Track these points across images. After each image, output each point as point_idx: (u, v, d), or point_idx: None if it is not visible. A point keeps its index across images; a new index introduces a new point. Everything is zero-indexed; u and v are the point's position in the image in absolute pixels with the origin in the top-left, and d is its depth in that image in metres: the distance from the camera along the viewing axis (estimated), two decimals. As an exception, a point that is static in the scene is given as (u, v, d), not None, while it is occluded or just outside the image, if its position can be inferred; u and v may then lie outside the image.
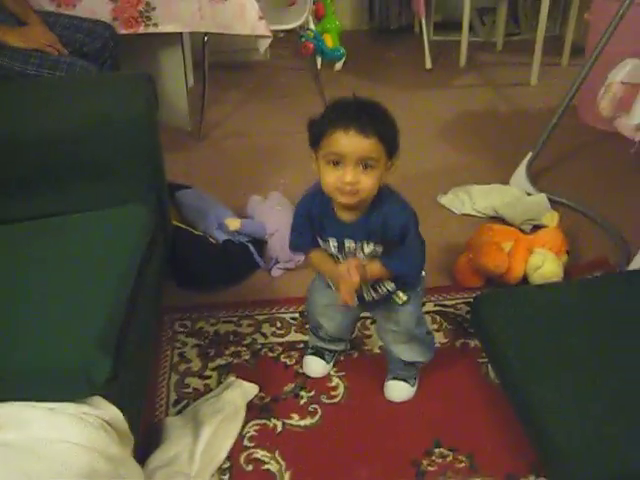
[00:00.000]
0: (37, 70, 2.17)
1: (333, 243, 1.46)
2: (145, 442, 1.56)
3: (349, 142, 1.29)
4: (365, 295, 1.55)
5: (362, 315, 1.85)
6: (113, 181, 1.74)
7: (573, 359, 1.48)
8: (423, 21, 3.83)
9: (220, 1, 2.61)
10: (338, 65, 3.29)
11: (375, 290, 1.54)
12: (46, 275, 1.34)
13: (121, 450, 1.23)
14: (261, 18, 2.66)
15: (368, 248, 1.44)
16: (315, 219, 1.46)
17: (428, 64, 3.78)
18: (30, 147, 1.71)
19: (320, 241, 1.49)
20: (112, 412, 1.22)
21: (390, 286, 1.53)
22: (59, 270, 1.36)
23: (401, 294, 1.56)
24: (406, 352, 1.67)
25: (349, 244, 1.45)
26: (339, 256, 1.49)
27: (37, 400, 1.16)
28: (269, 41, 2.76)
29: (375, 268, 1.45)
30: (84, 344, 1.17)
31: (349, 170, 1.31)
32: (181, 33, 2.86)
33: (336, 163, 1.32)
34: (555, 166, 2.77)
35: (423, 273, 1.62)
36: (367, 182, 1.33)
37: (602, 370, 1.45)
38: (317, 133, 1.34)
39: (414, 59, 3.87)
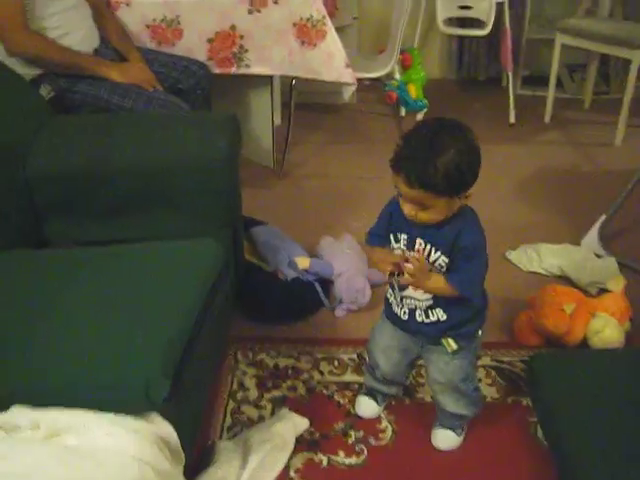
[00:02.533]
0: (133, 104, 2.33)
1: (404, 239, 1.50)
2: (198, 462, 1.65)
3: (400, 186, 1.39)
4: (417, 316, 1.57)
5: (418, 364, 1.89)
6: (191, 214, 1.88)
7: (626, 433, 1.43)
8: (510, 75, 3.87)
9: (310, 48, 2.73)
10: (419, 115, 3.37)
11: (427, 315, 1.56)
12: (119, 298, 1.46)
13: (172, 466, 1.32)
14: (348, 66, 2.76)
15: (435, 255, 1.47)
16: (396, 215, 1.50)
17: (512, 119, 3.81)
18: (117, 176, 1.87)
19: (392, 241, 1.53)
20: (167, 430, 1.31)
21: (443, 316, 1.55)
22: (131, 294, 1.47)
23: (451, 341, 1.58)
24: (451, 404, 1.70)
25: (420, 243, 1.48)
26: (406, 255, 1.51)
27: (101, 410, 1.26)
28: (354, 88, 2.88)
29: (437, 277, 1.47)
30: (147, 365, 1.27)
31: (406, 205, 1.42)
32: (271, 75, 3.00)
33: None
34: (630, 231, 2.74)
35: (480, 332, 1.65)
36: (425, 217, 1.41)
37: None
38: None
39: (499, 112, 3.90)
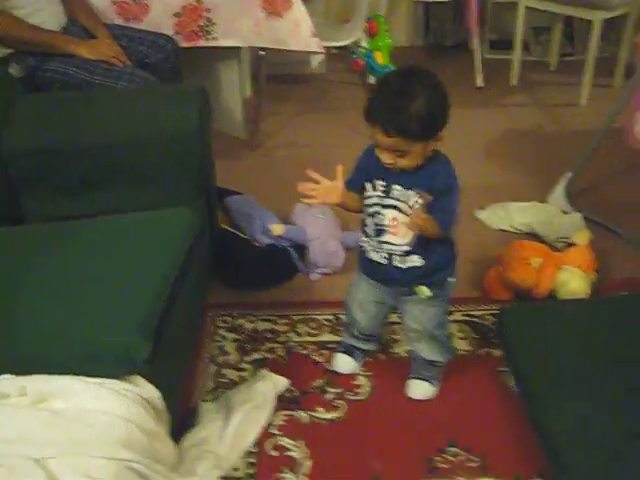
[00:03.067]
0: (102, 80, 2.34)
1: (380, 185, 1.56)
2: (183, 423, 1.71)
3: (377, 136, 1.46)
4: (394, 261, 1.63)
5: (391, 321, 1.96)
6: (164, 185, 1.91)
7: (593, 378, 1.49)
8: (476, 38, 3.90)
9: (276, 18, 2.75)
10: (387, 82, 3.41)
11: (403, 261, 1.62)
12: (97, 268, 1.50)
13: (157, 426, 1.37)
14: (314, 35, 2.79)
15: (413, 198, 1.53)
16: (373, 161, 1.56)
17: (479, 82, 3.86)
18: (89, 150, 1.90)
19: (369, 186, 1.59)
20: (150, 391, 1.37)
21: (418, 261, 1.61)
22: (109, 264, 1.52)
23: (424, 288, 1.66)
24: (426, 350, 1.79)
25: (397, 189, 1.54)
26: (383, 202, 1.57)
27: (86, 376, 1.31)
28: (321, 57, 2.90)
29: (429, 219, 1.52)
30: (128, 329, 1.32)
31: (384, 154, 1.49)
32: (239, 47, 3.01)
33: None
34: (596, 187, 2.81)
35: (453, 279, 1.72)
36: (404, 162, 1.49)
37: (621, 392, 1.44)
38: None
39: (466, 77, 3.94)
